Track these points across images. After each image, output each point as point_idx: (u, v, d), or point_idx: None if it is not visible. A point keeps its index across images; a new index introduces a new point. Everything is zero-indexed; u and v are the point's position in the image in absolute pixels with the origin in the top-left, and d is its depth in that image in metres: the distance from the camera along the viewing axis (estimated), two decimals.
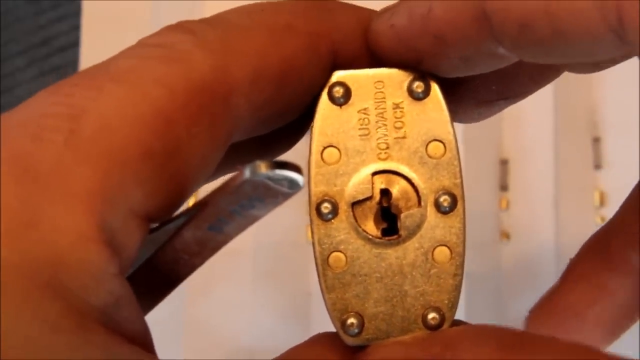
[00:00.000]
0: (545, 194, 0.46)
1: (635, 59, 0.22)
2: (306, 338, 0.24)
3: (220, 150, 0.22)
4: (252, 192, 0.20)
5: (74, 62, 0.49)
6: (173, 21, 0.22)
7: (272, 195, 0.21)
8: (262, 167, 0.20)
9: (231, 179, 0.21)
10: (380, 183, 0.24)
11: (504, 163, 0.47)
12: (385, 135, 0.24)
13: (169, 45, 0.21)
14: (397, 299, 0.24)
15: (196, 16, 0.23)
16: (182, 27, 0.22)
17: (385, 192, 0.24)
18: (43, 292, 0.18)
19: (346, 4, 0.24)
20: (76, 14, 0.49)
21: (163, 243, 0.23)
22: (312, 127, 0.24)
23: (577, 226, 0.45)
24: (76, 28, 0.49)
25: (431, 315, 0.24)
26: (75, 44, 0.49)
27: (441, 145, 0.24)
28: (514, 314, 0.44)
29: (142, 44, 0.22)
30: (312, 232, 0.24)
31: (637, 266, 0.26)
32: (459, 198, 0.24)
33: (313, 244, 0.24)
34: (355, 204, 0.24)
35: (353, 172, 0.24)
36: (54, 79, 0.51)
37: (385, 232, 0.24)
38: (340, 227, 0.24)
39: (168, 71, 0.21)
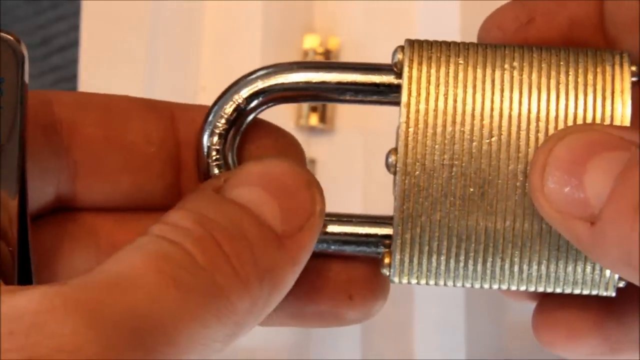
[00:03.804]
0: None
1: None
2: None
3: None
4: None
5: (73, 61, 0.49)
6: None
7: None
8: None
9: None
10: None
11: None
12: None
13: None
14: None
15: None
16: None
17: None
18: None
19: None
20: (75, 13, 0.49)
21: None
22: None
23: None
24: (75, 28, 0.49)
25: None
26: (74, 44, 0.49)
27: None
28: (515, 314, 0.44)
29: None
30: None
31: None
32: None
33: None
34: None
35: None
36: (54, 78, 0.51)
37: None
38: None
39: None
